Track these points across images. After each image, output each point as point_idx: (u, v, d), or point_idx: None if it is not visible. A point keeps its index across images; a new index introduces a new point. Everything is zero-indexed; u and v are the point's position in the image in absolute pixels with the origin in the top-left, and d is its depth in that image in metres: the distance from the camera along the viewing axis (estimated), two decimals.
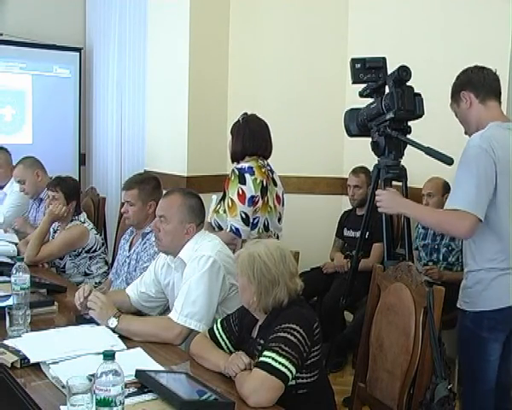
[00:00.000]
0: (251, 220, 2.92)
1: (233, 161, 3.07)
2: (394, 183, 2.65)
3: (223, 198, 3.02)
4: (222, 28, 4.46)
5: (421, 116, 2.53)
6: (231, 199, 2.90)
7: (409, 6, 3.96)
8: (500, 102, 2.29)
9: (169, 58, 4.49)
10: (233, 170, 2.95)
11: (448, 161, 2.16)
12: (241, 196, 2.88)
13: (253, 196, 2.91)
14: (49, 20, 5.28)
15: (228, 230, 2.89)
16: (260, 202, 2.95)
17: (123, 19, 5.09)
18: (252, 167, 2.94)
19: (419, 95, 2.52)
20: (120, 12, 5.12)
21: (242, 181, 2.90)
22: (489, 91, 2.24)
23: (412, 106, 2.49)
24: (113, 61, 5.23)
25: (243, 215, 2.89)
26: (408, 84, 2.53)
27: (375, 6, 4.20)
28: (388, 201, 2.33)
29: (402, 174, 2.61)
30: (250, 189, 2.90)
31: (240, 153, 3.01)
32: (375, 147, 2.63)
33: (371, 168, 3.81)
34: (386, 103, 2.52)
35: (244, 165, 2.95)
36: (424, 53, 3.69)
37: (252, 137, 3.00)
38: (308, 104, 4.39)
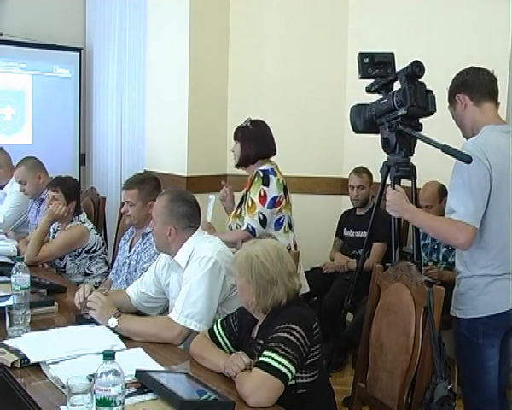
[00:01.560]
0: (268, 222, 2.98)
1: (240, 166, 3.11)
2: (403, 182, 2.63)
3: (242, 202, 3.07)
4: (222, 28, 4.47)
5: (432, 113, 2.48)
6: (252, 200, 2.97)
7: (409, 4, 3.97)
8: (497, 103, 2.27)
9: (169, 58, 4.49)
10: (257, 172, 3.00)
11: (466, 158, 2.10)
12: (262, 198, 2.95)
13: (275, 197, 2.98)
14: (49, 20, 5.28)
15: (244, 228, 2.95)
16: (284, 201, 3.02)
17: (123, 19, 5.09)
18: (273, 168, 3.02)
19: (431, 91, 2.48)
20: (120, 12, 5.12)
21: (266, 183, 2.97)
22: (484, 93, 2.22)
23: (425, 102, 2.45)
24: (113, 61, 5.23)
25: (261, 216, 2.96)
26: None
27: (374, 5, 4.20)
28: (396, 202, 2.31)
29: (412, 172, 2.57)
30: (274, 190, 2.98)
31: (253, 156, 3.06)
32: (386, 144, 2.58)
33: (371, 168, 3.86)
34: (398, 99, 2.47)
35: (266, 167, 3.02)
36: (424, 52, 3.68)
37: (264, 140, 3.08)
38: (308, 104, 4.39)
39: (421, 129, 2.50)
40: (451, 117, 2.36)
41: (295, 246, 3.12)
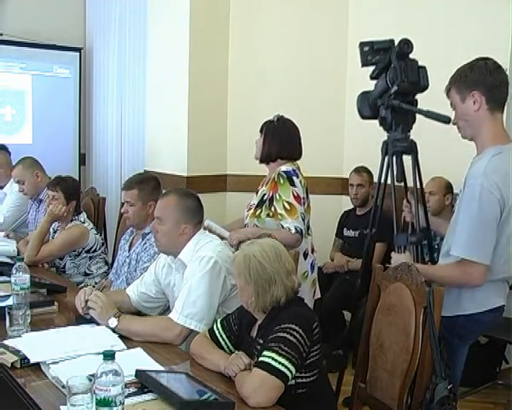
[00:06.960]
0: (306, 221, 2.87)
1: (262, 162, 2.97)
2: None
3: (262, 202, 2.90)
4: (222, 28, 4.46)
5: (426, 88, 2.50)
6: (288, 202, 2.79)
7: (409, 1, 3.96)
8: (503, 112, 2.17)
9: (169, 58, 4.49)
10: (279, 174, 2.83)
11: (445, 119, 2.15)
12: (298, 198, 2.81)
13: (302, 198, 2.85)
14: (49, 20, 5.29)
15: (293, 232, 2.75)
16: (306, 203, 2.90)
17: (123, 19, 5.10)
18: (295, 170, 2.88)
19: (423, 67, 2.50)
20: (120, 12, 5.13)
21: (292, 183, 2.82)
22: (500, 103, 2.12)
23: (416, 77, 2.48)
24: (113, 61, 5.23)
25: (302, 216, 2.81)
26: None
27: (375, 3, 4.20)
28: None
29: (411, 147, 2.55)
30: (300, 190, 2.84)
31: (275, 155, 2.91)
32: (383, 122, 2.61)
33: (371, 168, 3.86)
34: (390, 77, 2.52)
35: (288, 168, 2.87)
36: (424, 50, 3.65)
37: (289, 140, 2.94)
38: (308, 104, 4.39)
39: (416, 105, 2.53)
40: (450, 106, 2.23)
41: (312, 250, 3.02)
